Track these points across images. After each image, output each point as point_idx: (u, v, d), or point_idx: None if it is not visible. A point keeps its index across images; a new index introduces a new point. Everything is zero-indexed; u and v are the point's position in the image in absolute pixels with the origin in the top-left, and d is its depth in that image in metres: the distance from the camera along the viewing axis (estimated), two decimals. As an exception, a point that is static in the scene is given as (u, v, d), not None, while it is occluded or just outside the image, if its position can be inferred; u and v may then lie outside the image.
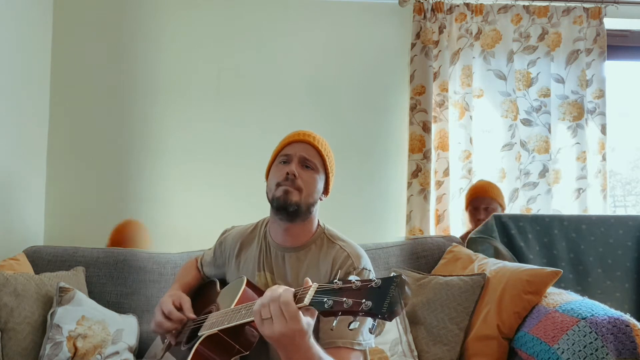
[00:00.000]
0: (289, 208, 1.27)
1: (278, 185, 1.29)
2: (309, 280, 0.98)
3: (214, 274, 1.58)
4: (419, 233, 2.48)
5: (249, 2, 2.61)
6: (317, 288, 0.90)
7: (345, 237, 1.38)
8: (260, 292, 1.29)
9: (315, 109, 2.59)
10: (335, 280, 0.88)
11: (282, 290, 0.94)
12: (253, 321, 1.05)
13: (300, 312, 0.91)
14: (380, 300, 0.80)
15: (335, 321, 0.85)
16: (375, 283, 0.83)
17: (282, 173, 1.29)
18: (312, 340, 0.97)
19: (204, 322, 1.27)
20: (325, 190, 1.38)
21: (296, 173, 1.28)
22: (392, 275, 0.83)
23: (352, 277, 0.87)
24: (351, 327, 0.84)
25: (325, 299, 0.86)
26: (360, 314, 0.82)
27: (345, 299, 0.83)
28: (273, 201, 1.31)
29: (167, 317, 1.33)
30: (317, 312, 0.91)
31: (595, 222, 2.29)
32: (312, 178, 1.31)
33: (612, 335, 1.35)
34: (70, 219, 2.43)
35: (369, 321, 1.11)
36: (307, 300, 0.89)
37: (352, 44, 2.65)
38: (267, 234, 1.42)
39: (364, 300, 0.81)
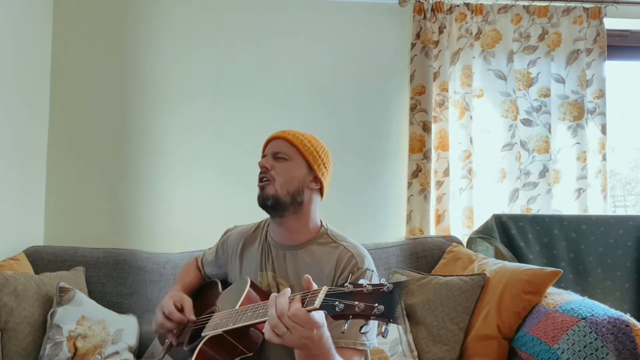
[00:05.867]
0: (267, 202, 1.32)
1: (259, 184, 1.35)
2: (310, 278, 0.99)
3: (215, 274, 1.58)
4: (419, 233, 2.48)
5: (249, 2, 2.61)
6: (327, 291, 0.91)
7: (348, 238, 1.39)
8: (263, 294, 1.29)
9: (315, 109, 2.59)
10: (346, 284, 0.90)
11: (287, 301, 0.96)
12: (259, 323, 1.06)
13: (311, 314, 0.93)
14: (392, 304, 0.82)
15: (346, 324, 0.87)
16: (387, 288, 0.84)
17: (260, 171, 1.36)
18: (328, 335, 1.01)
19: (206, 323, 1.27)
20: (315, 179, 1.37)
21: (267, 165, 1.34)
22: (402, 280, 0.85)
23: (363, 281, 0.89)
24: (363, 330, 0.86)
25: (337, 302, 0.87)
26: (372, 317, 0.83)
27: (357, 302, 0.85)
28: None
29: (168, 318, 1.34)
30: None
31: (595, 222, 2.30)
32: (285, 167, 1.34)
33: (612, 335, 1.35)
34: (70, 219, 2.43)
35: (376, 324, 1.12)
36: (317, 303, 0.90)
37: (352, 44, 2.65)
38: (268, 234, 1.43)
39: (376, 304, 0.83)
